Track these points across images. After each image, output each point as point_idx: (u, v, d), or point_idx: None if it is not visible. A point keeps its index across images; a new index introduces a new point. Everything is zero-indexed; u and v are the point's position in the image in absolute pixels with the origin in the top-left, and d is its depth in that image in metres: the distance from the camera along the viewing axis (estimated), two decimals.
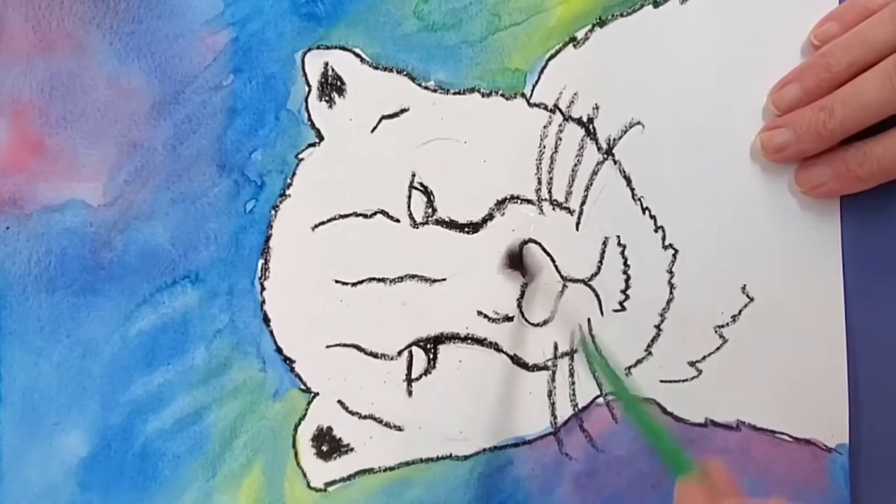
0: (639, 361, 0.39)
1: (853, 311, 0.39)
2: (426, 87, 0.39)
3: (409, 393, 0.39)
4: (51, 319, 0.37)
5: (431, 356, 0.39)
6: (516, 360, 0.39)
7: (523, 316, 0.39)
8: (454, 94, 0.39)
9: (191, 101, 0.37)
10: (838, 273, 0.39)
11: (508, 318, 0.39)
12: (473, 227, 0.39)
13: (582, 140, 0.39)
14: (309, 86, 0.38)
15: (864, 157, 0.37)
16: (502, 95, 0.39)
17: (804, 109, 0.37)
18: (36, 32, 0.37)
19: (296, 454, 0.38)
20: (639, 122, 0.39)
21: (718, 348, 0.39)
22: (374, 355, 0.39)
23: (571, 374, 0.39)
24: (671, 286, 0.39)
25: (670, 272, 0.39)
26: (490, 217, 0.39)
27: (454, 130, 0.39)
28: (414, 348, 0.39)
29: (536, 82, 0.39)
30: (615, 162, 0.39)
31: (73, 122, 0.37)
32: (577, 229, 0.39)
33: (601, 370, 0.35)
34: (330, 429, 0.38)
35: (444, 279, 0.39)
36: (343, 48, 0.38)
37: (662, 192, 0.39)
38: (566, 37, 0.39)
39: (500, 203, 0.39)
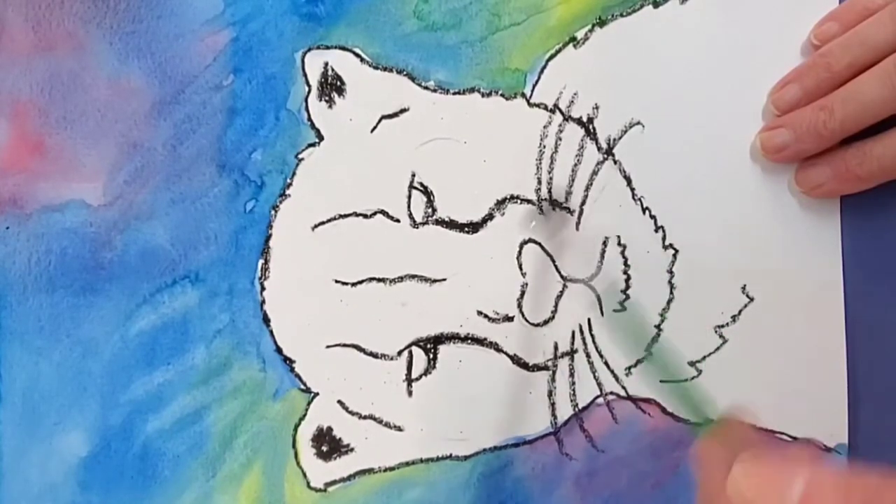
0: (639, 361, 0.40)
1: (853, 311, 0.40)
2: (426, 87, 0.39)
3: (410, 393, 0.39)
4: (51, 319, 0.37)
5: (431, 356, 0.39)
6: (516, 361, 0.39)
7: (524, 316, 0.39)
8: (454, 93, 0.39)
9: (191, 101, 0.38)
10: (838, 273, 0.40)
11: (509, 318, 0.39)
12: (473, 227, 0.39)
13: (582, 140, 0.40)
14: (309, 86, 0.39)
15: (863, 156, 0.37)
16: (502, 95, 0.39)
17: (804, 109, 0.38)
18: (36, 32, 0.37)
19: (296, 454, 0.39)
20: (639, 122, 0.40)
21: (718, 348, 0.40)
22: (374, 355, 0.39)
23: (571, 374, 0.39)
24: (671, 286, 0.40)
25: (670, 272, 0.40)
26: (490, 217, 0.39)
27: (454, 130, 0.39)
28: (414, 348, 0.39)
29: (536, 82, 0.39)
30: (615, 162, 0.40)
31: (73, 121, 0.37)
32: (578, 229, 0.40)
33: (626, 325, 0.34)
34: (330, 429, 0.39)
35: (444, 279, 0.39)
36: (343, 48, 0.39)
37: (662, 192, 0.40)
38: (566, 37, 0.40)
39: (500, 203, 0.39)
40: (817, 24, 0.39)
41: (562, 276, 0.39)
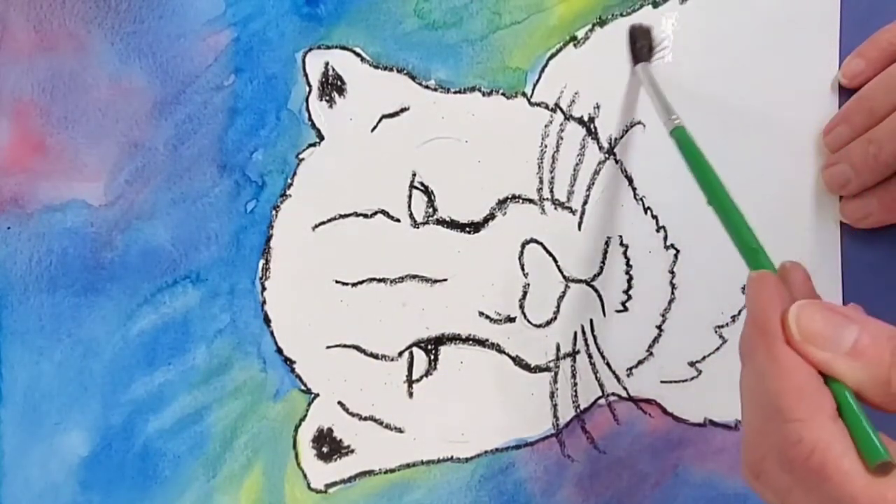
0: (640, 362, 0.41)
1: None
2: (427, 86, 0.41)
3: (410, 394, 0.41)
4: (52, 319, 0.39)
5: (432, 357, 0.41)
6: (518, 362, 0.41)
7: (525, 317, 0.41)
8: (455, 93, 0.41)
9: (192, 101, 0.39)
10: (837, 274, 0.41)
11: (510, 319, 0.41)
12: (475, 227, 0.41)
13: (583, 139, 0.41)
14: (309, 85, 0.40)
15: None
16: (503, 94, 0.41)
17: (854, 143, 0.40)
18: (38, 32, 0.39)
19: (296, 455, 0.40)
20: (640, 122, 0.41)
21: (718, 348, 0.41)
22: (375, 356, 0.41)
23: (573, 376, 0.41)
24: (672, 286, 0.41)
25: (672, 272, 0.41)
26: (491, 217, 0.41)
27: (455, 129, 0.41)
28: (415, 349, 0.41)
29: (537, 81, 0.41)
30: (617, 161, 0.41)
31: (75, 121, 0.39)
32: (580, 229, 0.41)
33: (690, 157, 0.36)
34: (330, 430, 0.40)
35: (445, 279, 0.41)
36: (344, 48, 0.40)
37: (664, 193, 0.41)
38: (567, 36, 0.41)
39: (502, 203, 0.41)
40: (844, 63, 0.41)
41: (564, 277, 0.41)
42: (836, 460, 0.26)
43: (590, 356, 0.41)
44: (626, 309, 0.41)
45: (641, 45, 0.41)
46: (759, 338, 0.29)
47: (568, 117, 0.41)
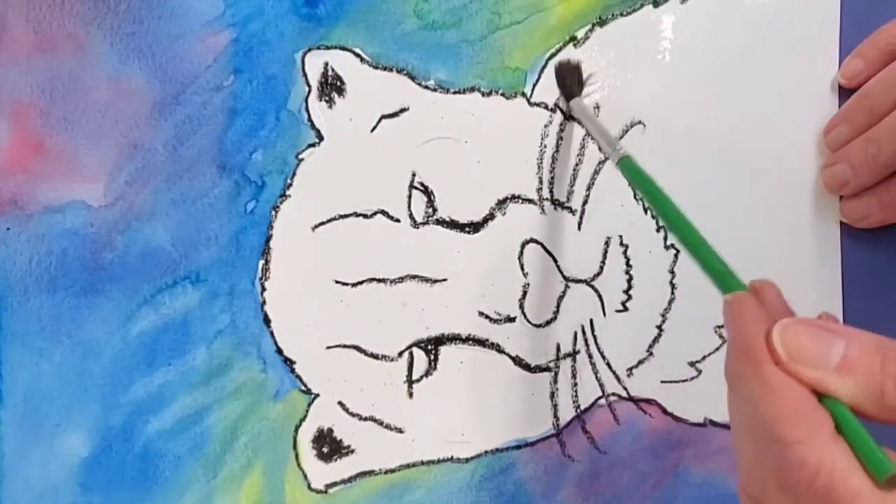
0: (640, 362, 0.41)
1: (851, 313, 0.42)
2: (426, 87, 0.41)
3: (410, 394, 0.41)
4: (52, 320, 0.39)
5: (432, 357, 0.41)
6: (518, 362, 0.41)
7: (525, 317, 0.41)
8: (454, 93, 0.41)
9: (191, 101, 0.39)
10: (837, 275, 0.42)
11: (510, 319, 0.41)
12: (474, 227, 0.41)
13: (583, 139, 0.41)
14: (309, 86, 0.40)
15: None
16: (503, 94, 0.41)
17: (853, 143, 0.40)
18: (37, 33, 0.39)
19: (296, 455, 0.40)
20: (640, 122, 0.41)
21: (718, 348, 0.41)
22: (375, 356, 0.41)
23: (574, 376, 0.41)
24: (672, 286, 0.41)
25: (672, 272, 0.42)
26: (491, 217, 0.41)
27: (454, 130, 0.41)
28: (415, 349, 0.41)
29: (537, 81, 0.41)
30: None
31: (74, 122, 0.39)
32: (580, 229, 0.41)
33: (642, 185, 0.35)
34: (331, 430, 0.41)
35: (444, 279, 0.41)
36: (343, 48, 0.40)
37: None
38: (566, 36, 0.41)
39: (501, 203, 0.41)
40: (844, 63, 0.41)
41: (564, 277, 0.41)
42: (844, 480, 0.26)
43: (590, 356, 0.41)
44: (626, 309, 0.41)
45: (570, 82, 0.40)
46: (745, 362, 0.28)
47: (567, 117, 0.41)
